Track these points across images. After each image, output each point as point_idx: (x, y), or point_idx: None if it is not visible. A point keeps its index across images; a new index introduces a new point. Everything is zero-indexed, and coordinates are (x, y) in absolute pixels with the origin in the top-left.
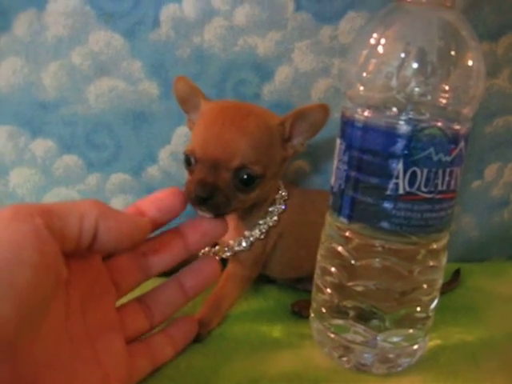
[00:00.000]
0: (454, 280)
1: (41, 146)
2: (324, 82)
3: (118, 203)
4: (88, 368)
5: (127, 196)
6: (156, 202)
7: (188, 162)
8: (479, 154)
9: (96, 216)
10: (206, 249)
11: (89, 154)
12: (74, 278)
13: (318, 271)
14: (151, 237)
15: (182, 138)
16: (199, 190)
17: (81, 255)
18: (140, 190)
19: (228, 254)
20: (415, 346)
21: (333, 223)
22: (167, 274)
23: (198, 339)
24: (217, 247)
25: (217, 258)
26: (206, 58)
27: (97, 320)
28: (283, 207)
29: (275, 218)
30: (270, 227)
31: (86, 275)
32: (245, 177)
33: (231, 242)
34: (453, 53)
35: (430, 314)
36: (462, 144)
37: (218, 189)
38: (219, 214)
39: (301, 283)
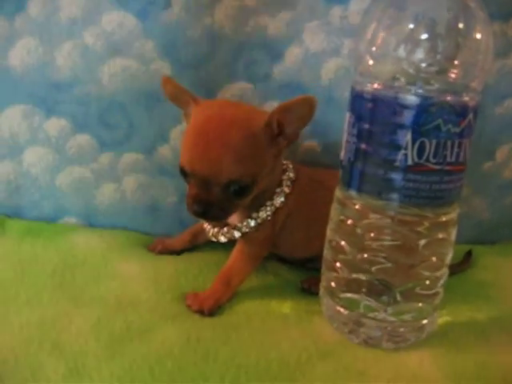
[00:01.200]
0: (465, 261)
1: (54, 126)
2: (334, 62)
3: (129, 182)
4: None
5: (139, 175)
6: None
7: (183, 174)
8: (490, 135)
9: None
10: (215, 230)
11: (102, 134)
12: None
13: (327, 245)
14: None
15: None
16: (195, 206)
17: None
18: (152, 170)
19: (236, 235)
20: (424, 321)
21: (342, 196)
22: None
23: (207, 314)
24: (225, 228)
25: (225, 239)
26: (217, 39)
27: None
28: (290, 188)
29: (282, 199)
30: (277, 208)
31: None
32: (235, 189)
33: (239, 224)
34: (461, 25)
35: (439, 289)
36: (470, 116)
37: (211, 204)
38: (219, 221)
39: (311, 262)
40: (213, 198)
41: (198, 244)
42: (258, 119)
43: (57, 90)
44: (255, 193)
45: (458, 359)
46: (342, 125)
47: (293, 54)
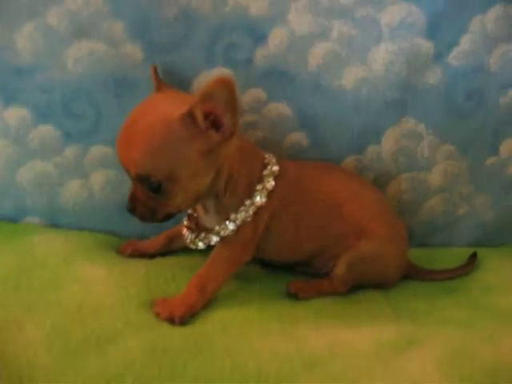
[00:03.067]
0: (469, 263)
1: (14, 115)
2: (323, 46)
3: (98, 178)
4: None
5: (108, 170)
6: None
7: None
8: (494, 127)
9: None
10: (192, 236)
11: (67, 124)
12: None
13: None
14: None
15: None
16: (128, 202)
17: None
18: None
19: (214, 240)
20: None
21: None
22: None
23: (178, 322)
24: (202, 234)
25: (203, 245)
26: (194, 19)
27: None
28: (272, 183)
29: (263, 197)
30: (258, 208)
31: None
32: (150, 186)
33: (216, 227)
34: None
35: None
36: None
37: (137, 200)
38: (150, 221)
39: (301, 266)
40: (138, 193)
41: (174, 249)
42: (178, 109)
43: (17, 76)
44: (191, 194)
45: (464, 364)
46: (331, 115)
47: (277, 36)
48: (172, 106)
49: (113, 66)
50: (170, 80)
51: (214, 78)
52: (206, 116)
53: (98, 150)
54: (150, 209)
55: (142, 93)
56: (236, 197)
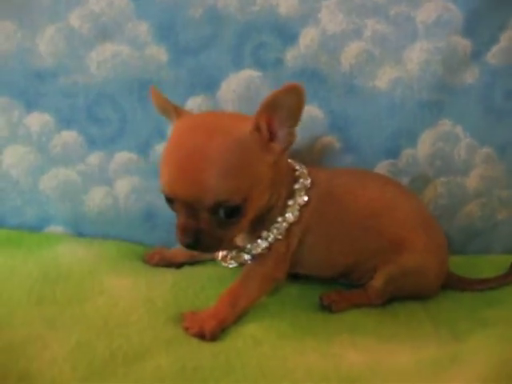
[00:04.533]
0: (511, 272)
1: (36, 121)
2: (355, 45)
3: (122, 185)
4: None
5: (133, 177)
6: None
7: (167, 200)
8: None
9: None
10: (224, 253)
11: (90, 130)
12: None
13: None
14: None
15: (194, 109)
16: (184, 237)
17: None
18: (147, 171)
19: (246, 258)
20: None
21: None
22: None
23: (209, 338)
24: (233, 252)
25: (235, 263)
26: (222, 19)
27: None
28: (305, 198)
29: (296, 212)
30: (290, 224)
31: None
32: (226, 212)
33: (248, 245)
34: None
35: None
36: None
37: (202, 232)
38: (215, 251)
39: (343, 278)
40: (203, 225)
41: (202, 259)
42: (242, 124)
43: (39, 81)
44: (255, 213)
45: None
46: (364, 117)
47: (308, 36)
48: (232, 122)
49: (137, 69)
50: (197, 82)
51: (284, 86)
52: (268, 126)
53: (122, 157)
54: (217, 238)
55: (167, 96)
56: (273, 213)
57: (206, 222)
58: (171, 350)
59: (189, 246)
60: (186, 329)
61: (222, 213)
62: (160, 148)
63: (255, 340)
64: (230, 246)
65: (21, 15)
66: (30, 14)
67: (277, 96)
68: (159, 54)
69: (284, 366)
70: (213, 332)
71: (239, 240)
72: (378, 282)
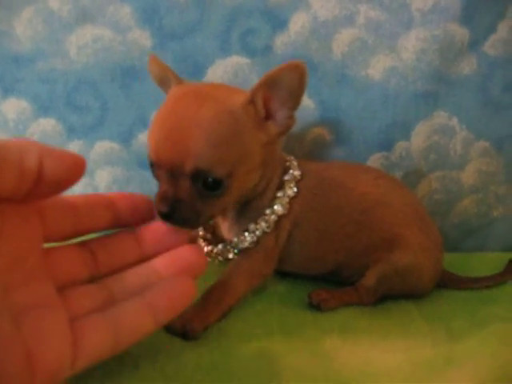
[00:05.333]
0: (507, 271)
1: (13, 108)
2: (348, 32)
3: (103, 176)
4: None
5: (114, 168)
6: (129, 198)
7: (151, 167)
8: None
9: (39, 151)
10: (209, 248)
11: (69, 118)
12: (5, 236)
13: None
14: (102, 235)
15: None
16: (161, 205)
17: (17, 211)
18: (129, 161)
19: (232, 254)
20: None
21: None
22: None
23: (191, 336)
24: (219, 246)
25: (221, 258)
26: (208, 3)
27: (25, 294)
28: (295, 190)
29: (286, 204)
30: (279, 216)
31: (21, 240)
32: (206, 182)
33: (235, 239)
34: None
35: None
36: None
37: (180, 201)
38: (190, 227)
39: (332, 275)
40: (181, 193)
41: None
42: (237, 96)
43: (15, 65)
44: (240, 193)
45: None
46: (356, 108)
47: (298, 22)
48: (226, 93)
49: (119, 54)
50: (182, 68)
51: (286, 63)
52: (265, 104)
53: (103, 146)
54: (195, 211)
55: (151, 83)
56: (261, 203)
57: (185, 191)
58: (151, 349)
59: (165, 217)
60: (168, 327)
61: (201, 183)
62: (143, 137)
63: (240, 339)
64: (208, 224)
65: None
66: None
67: (277, 73)
68: (142, 38)
69: (271, 366)
70: (195, 331)
71: (225, 232)
72: (369, 280)
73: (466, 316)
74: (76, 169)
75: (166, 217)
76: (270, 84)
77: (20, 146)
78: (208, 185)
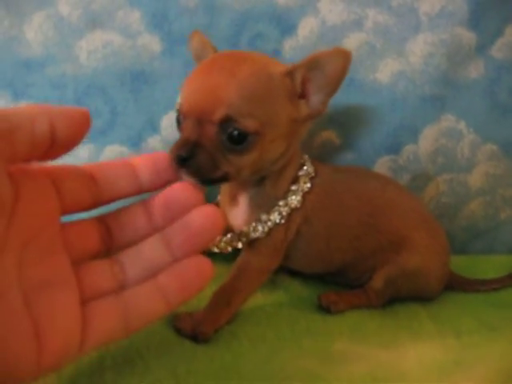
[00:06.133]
0: None
1: None
2: (356, 37)
3: None
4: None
5: None
6: (150, 159)
7: (178, 122)
8: None
9: (49, 115)
10: (217, 238)
11: None
12: (21, 210)
13: None
14: (116, 209)
15: None
16: (180, 148)
17: (33, 186)
18: None
19: (243, 242)
20: None
21: None
22: None
23: (202, 339)
24: (229, 235)
25: (229, 249)
26: (217, 8)
27: (40, 270)
28: (309, 185)
29: (299, 197)
30: (292, 209)
31: (37, 215)
32: (233, 132)
33: (245, 228)
34: None
35: None
36: None
37: (200, 146)
38: (204, 178)
39: (331, 276)
40: (204, 138)
41: None
42: (278, 66)
43: (26, 70)
44: (260, 161)
45: None
46: (364, 111)
47: (307, 26)
48: (269, 61)
49: (129, 59)
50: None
51: (333, 48)
52: (303, 83)
53: (113, 150)
54: (213, 162)
55: (160, 88)
56: (276, 190)
57: (209, 138)
58: (162, 352)
59: (181, 161)
60: (179, 330)
61: (228, 133)
62: (152, 141)
63: (251, 342)
64: (221, 181)
65: (7, 1)
66: (17, 0)
67: (322, 56)
68: (152, 43)
69: (282, 370)
70: (206, 333)
71: (234, 220)
72: (377, 283)
73: (474, 318)
74: (85, 122)
75: (183, 161)
76: (312, 65)
77: (30, 112)
78: (233, 137)
